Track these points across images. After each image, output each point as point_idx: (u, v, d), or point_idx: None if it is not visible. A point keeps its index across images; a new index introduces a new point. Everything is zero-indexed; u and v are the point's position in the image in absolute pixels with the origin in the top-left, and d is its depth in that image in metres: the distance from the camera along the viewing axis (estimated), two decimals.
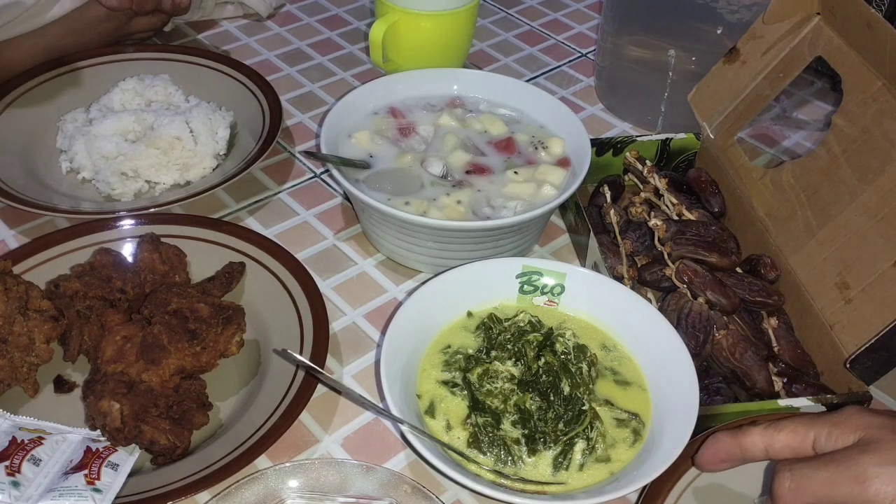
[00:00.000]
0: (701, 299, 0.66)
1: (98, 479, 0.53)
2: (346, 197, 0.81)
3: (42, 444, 0.56)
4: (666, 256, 0.70)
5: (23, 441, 0.55)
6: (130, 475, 0.54)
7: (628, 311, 0.64)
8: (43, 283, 0.65)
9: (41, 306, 0.62)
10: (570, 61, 1.05)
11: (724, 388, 0.63)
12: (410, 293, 0.63)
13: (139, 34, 0.96)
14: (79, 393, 0.62)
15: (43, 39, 0.87)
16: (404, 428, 0.54)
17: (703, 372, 0.63)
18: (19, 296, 0.61)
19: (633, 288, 0.67)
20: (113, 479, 0.54)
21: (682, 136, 0.83)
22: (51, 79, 0.87)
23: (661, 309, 0.65)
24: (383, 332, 0.61)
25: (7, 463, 0.53)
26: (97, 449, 0.56)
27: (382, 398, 0.56)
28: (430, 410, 0.58)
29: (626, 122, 0.94)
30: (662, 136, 0.83)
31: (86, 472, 0.54)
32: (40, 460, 0.54)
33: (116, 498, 0.52)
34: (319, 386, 0.60)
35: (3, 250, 0.71)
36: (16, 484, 0.52)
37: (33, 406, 0.60)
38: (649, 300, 0.67)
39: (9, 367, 0.60)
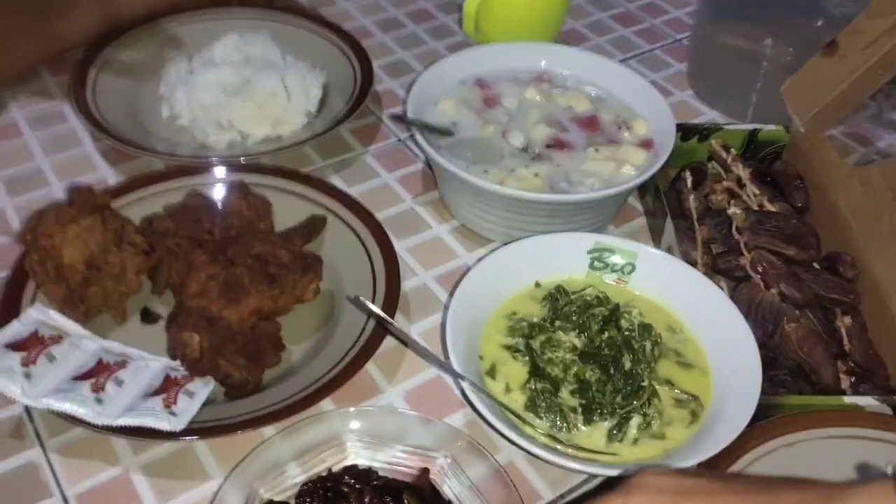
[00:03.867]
0: (774, 291, 0.65)
1: (175, 403, 0.57)
2: (427, 162, 0.82)
3: (125, 367, 0.59)
4: (742, 246, 0.70)
5: (108, 363, 0.59)
6: (204, 404, 0.58)
7: (698, 296, 0.64)
8: (138, 219, 0.69)
9: (135, 240, 0.66)
10: (663, 45, 1.04)
11: (789, 381, 0.62)
12: (481, 259, 0.65)
13: None
14: (163, 324, 0.65)
15: None
16: (465, 384, 0.56)
17: (769, 363, 0.62)
18: (115, 229, 0.65)
19: (705, 275, 0.66)
20: (188, 406, 0.57)
21: (771, 127, 0.81)
22: (159, 30, 0.91)
23: (732, 298, 0.65)
24: (451, 295, 0.62)
25: (93, 381, 0.57)
26: (175, 377, 0.59)
27: (446, 356, 0.58)
28: (491, 372, 0.60)
29: (716, 109, 0.93)
30: (751, 126, 0.81)
31: (164, 396, 0.57)
32: (123, 381, 0.58)
33: (190, 423, 0.56)
34: (386, 340, 0.62)
35: (104, 186, 0.75)
36: (99, 401, 0.56)
37: (120, 333, 0.64)
38: (721, 287, 0.67)
39: (101, 295, 0.64)
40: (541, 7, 0.92)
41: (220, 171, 0.74)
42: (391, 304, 0.63)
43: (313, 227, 0.70)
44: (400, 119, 0.85)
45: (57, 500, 0.55)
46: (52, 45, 0.88)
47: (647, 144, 0.77)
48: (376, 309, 0.59)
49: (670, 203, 0.75)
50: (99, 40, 0.88)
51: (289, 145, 0.79)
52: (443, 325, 0.64)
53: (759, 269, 0.67)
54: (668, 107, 0.77)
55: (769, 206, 0.73)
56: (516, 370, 0.60)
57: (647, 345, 0.60)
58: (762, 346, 0.60)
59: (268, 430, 0.58)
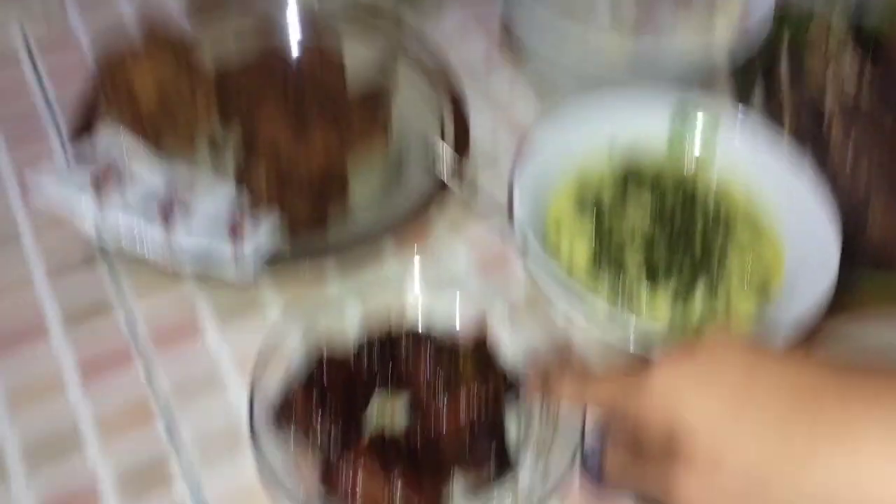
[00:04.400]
0: (865, 162, 0.61)
1: (241, 231, 0.57)
2: (509, 21, 0.78)
3: (192, 192, 0.60)
4: (835, 137, 0.65)
5: (180, 199, 0.60)
6: (269, 238, 0.58)
7: (781, 167, 0.60)
8: (214, 68, 0.67)
9: (210, 86, 0.64)
10: None
11: (868, 268, 0.59)
12: (555, 113, 0.62)
13: None
14: (230, 157, 0.64)
15: None
16: (528, 239, 0.55)
17: (849, 245, 0.59)
18: (193, 72, 0.64)
19: (791, 147, 0.63)
20: (253, 236, 0.57)
21: (876, 19, 0.74)
22: None
23: (817, 174, 0.61)
24: (521, 150, 0.60)
25: (161, 205, 0.58)
26: (241, 207, 0.60)
27: (511, 211, 0.57)
28: (557, 229, 0.59)
29: None
30: (858, 14, 0.74)
31: (229, 225, 0.57)
32: (190, 208, 0.58)
33: (256, 262, 0.56)
34: (452, 194, 0.61)
35: (178, 26, 0.74)
36: (166, 224, 0.57)
37: (188, 159, 0.64)
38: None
39: (171, 124, 0.64)
40: None
41: (296, 27, 0.71)
42: (460, 150, 0.61)
43: (386, 88, 0.68)
44: None
45: (122, 322, 0.56)
46: None
47: (742, 24, 0.71)
48: (445, 151, 0.57)
49: (762, 88, 0.70)
50: None
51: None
52: (510, 180, 0.62)
53: (851, 164, 0.62)
54: None
55: (868, 100, 0.68)
56: (581, 228, 0.58)
57: (722, 214, 0.58)
58: (845, 222, 0.57)
59: (332, 281, 0.58)
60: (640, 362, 0.39)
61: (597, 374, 0.42)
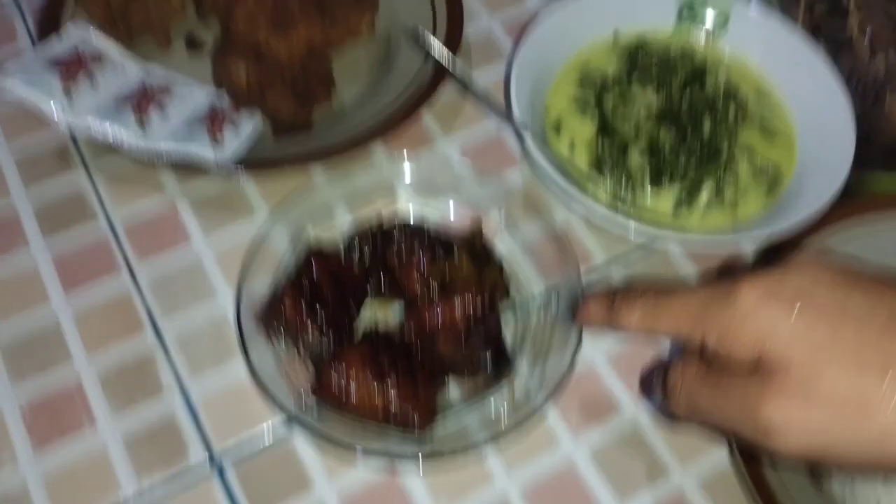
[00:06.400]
0: (881, 57, 0.58)
1: (220, 132, 0.54)
2: None
3: (169, 93, 0.56)
4: (852, 4, 0.61)
5: (151, 87, 0.56)
6: (251, 142, 0.55)
7: (793, 58, 0.57)
8: None
9: None
10: None
11: (882, 162, 0.57)
12: (554, 4, 0.58)
13: None
14: (208, 52, 0.61)
15: None
16: (526, 136, 0.52)
17: (862, 141, 0.57)
18: None
19: (804, 36, 0.59)
20: (234, 137, 0.54)
21: None
22: None
23: (831, 63, 0.58)
24: (519, 41, 0.56)
25: (135, 104, 0.55)
26: (221, 108, 0.56)
27: (508, 106, 0.53)
28: (556, 126, 0.56)
29: None
30: None
31: (209, 125, 0.54)
32: (166, 107, 0.55)
33: (236, 157, 0.53)
34: (444, 88, 0.57)
35: None
36: (141, 124, 0.54)
37: (163, 59, 0.60)
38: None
39: (143, 15, 0.60)
40: None
41: None
42: (452, 44, 0.57)
43: None
44: None
45: (102, 222, 0.54)
46: None
47: None
48: (436, 43, 0.53)
49: None
50: None
51: None
52: (507, 73, 0.58)
53: (868, 33, 0.59)
54: None
55: None
56: (584, 126, 0.55)
57: (732, 107, 0.55)
58: (859, 117, 0.54)
59: (318, 176, 0.55)
60: (721, 281, 0.37)
61: (669, 297, 0.39)
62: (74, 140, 0.57)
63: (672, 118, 0.54)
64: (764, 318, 0.34)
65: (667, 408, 0.39)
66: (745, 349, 0.34)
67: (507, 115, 0.54)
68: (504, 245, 0.52)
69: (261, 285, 0.48)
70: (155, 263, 0.53)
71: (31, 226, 0.54)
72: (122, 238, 0.54)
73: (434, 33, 0.59)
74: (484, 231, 0.50)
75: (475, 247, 0.49)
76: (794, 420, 0.33)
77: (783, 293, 0.34)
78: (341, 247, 0.50)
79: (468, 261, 0.48)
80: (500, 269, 0.49)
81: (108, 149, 0.54)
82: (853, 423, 0.32)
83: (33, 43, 0.62)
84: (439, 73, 0.57)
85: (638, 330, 0.40)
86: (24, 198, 0.55)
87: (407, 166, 0.52)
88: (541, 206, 0.52)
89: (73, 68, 0.55)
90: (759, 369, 0.34)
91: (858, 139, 0.53)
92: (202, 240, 0.54)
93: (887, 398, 0.32)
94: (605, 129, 0.54)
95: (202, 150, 0.53)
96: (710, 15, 0.59)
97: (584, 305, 0.43)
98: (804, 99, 0.56)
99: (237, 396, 0.48)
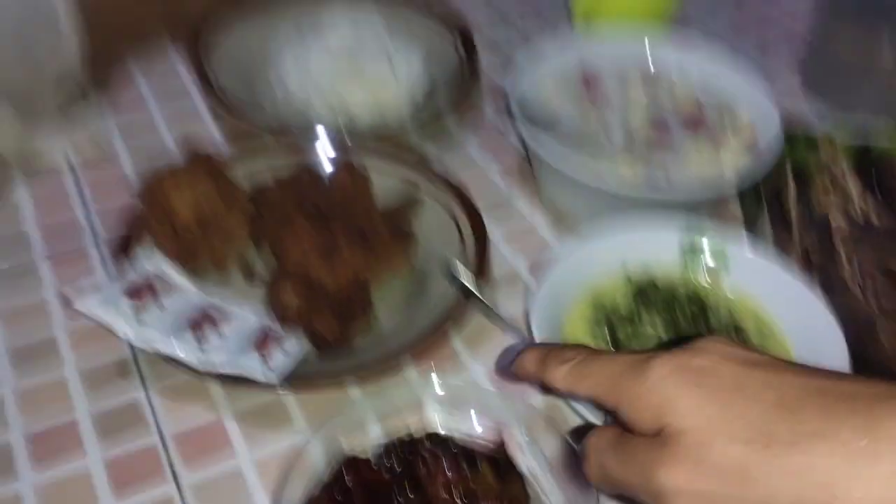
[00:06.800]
0: (874, 303, 0.63)
1: (270, 357, 0.60)
2: (526, 152, 0.83)
3: (227, 321, 0.63)
4: (843, 257, 0.68)
5: (212, 315, 0.63)
6: (297, 362, 0.60)
7: (789, 293, 0.63)
8: (248, 187, 0.73)
9: (244, 204, 0.69)
10: (776, 39, 1.02)
11: None
12: (570, 243, 0.65)
13: None
14: (263, 284, 0.68)
15: None
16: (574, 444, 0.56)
17: (856, 371, 0.61)
18: (227, 193, 0.69)
19: (801, 279, 0.65)
20: (282, 361, 0.60)
21: (886, 143, 0.79)
22: (278, 10, 0.95)
23: (827, 306, 0.63)
24: (538, 278, 0.63)
25: (197, 330, 0.61)
26: (272, 334, 0.62)
27: (530, 336, 0.59)
28: None
29: (827, 105, 0.91)
30: (865, 137, 0.79)
31: (261, 350, 0.60)
32: (224, 333, 0.61)
33: (282, 377, 0.58)
34: (473, 316, 0.63)
35: (219, 156, 0.79)
36: (202, 348, 0.60)
37: (223, 289, 0.68)
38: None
39: (209, 252, 0.68)
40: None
41: (327, 149, 0.77)
42: (480, 276, 0.64)
43: (410, 205, 0.72)
44: (502, 108, 0.87)
45: (154, 437, 0.58)
46: (177, 16, 0.94)
47: (751, 146, 0.76)
48: (465, 273, 0.60)
49: (770, 207, 0.74)
50: (221, 14, 0.92)
51: (393, 128, 0.82)
52: (528, 304, 0.65)
53: (860, 282, 0.65)
54: (776, 111, 0.76)
55: (875, 220, 0.71)
56: (597, 347, 0.60)
57: (733, 330, 0.59)
58: (855, 356, 0.59)
59: (354, 391, 0.60)
60: (639, 354, 0.41)
61: (593, 361, 0.43)
62: (135, 354, 0.63)
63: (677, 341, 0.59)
64: (666, 392, 0.38)
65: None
66: (648, 418, 0.38)
67: (529, 338, 0.60)
68: (526, 464, 0.55)
69: (296, 494, 0.51)
70: (198, 469, 0.56)
71: (87, 430, 0.58)
72: (169, 445, 0.58)
73: (462, 259, 0.66)
74: (507, 445, 0.54)
75: (498, 460, 0.52)
76: (684, 486, 0.36)
77: (688, 370, 0.38)
78: (372, 456, 0.53)
79: (491, 473, 0.51)
80: (522, 482, 0.52)
81: (165, 364, 0.59)
82: (736, 492, 0.35)
83: (107, 268, 0.70)
84: (467, 301, 0.63)
85: (562, 388, 0.44)
86: (84, 404, 0.60)
87: (436, 384, 0.57)
88: (561, 424, 0.55)
89: (142, 292, 0.62)
90: (659, 439, 0.37)
91: (853, 368, 0.57)
92: (244, 448, 0.58)
93: (766, 469, 0.35)
94: (616, 347, 0.59)
95: (251, 367, 0.58)
96: (711, 256, 0.66)
97: (519, 356, 0.47)
98: (801, 331, 0.61)
99: None
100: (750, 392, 0.37)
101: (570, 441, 0.52)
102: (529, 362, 0.47)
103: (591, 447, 0.42)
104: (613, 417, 0.42)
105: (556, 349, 0.46)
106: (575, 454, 0.50)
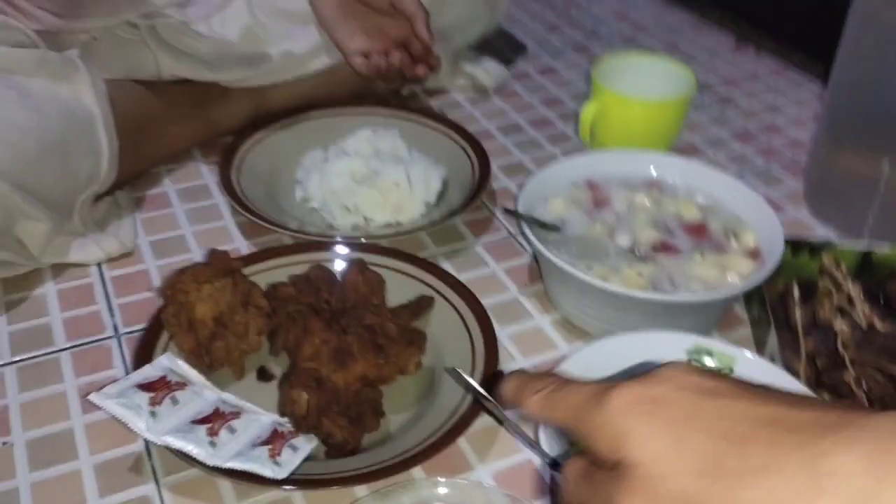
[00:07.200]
0: (878, 408, 0.64)
1: (279, 454, 0.61)
2: (534, 256, 0.86)
3: (239, 417, 0.64)
4: (847, 362, 0.69)
5: (224, 412, 0.64)
6: (305, 460, 0.61)
7: None
8: (264, 285, 0.75)
9: (260, 303, 0.72)
10: (780, 164, 1.05)
11: None
12: (579, 350, 0.67)
13: (379, 92, 1.09)
14: (275, 383, 0.70)
15: (301, 87, 1.01)
16: (554, 475, 0.57)
17: None
18: (244, 291, 0.71)
19: (807, 387, 0.66)
20: (291, 458, 0.61)
21: (886, 249, 0.81)
22: (301, 121, 1.00)
23: None
24: None
25: (209, 426, 0.62)
26: (282, 431, 0.64)
27: (538, 439, 0.60)
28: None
29: (830, 228, 0.93)
30: (865, 246, 0.81)
31: (270, 447, 0.61)
32: (235, 430, 0.63)
33: (291, 475, 0.59)
34: (481, 419, 0.64)
35: (237, 255, 0.82)
36: (213, 444, 0.61)
37: (237, 387, 0.70)
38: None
39: (224, 350, 0.70)
40: (656, 119, 0.96)
41: (341, 249, 0.80)
42: (489, 382, 0.66)
43: (421, 305, 0.74)
44: (511, 213, 0.89)
45: None
46: (206, 130, 0.99)
47: (754, 254, 0.78)
48: (473, 382, 0.61)
49: (776, 314, 0.75)
50: (248, 127, 0.98)
51: (406, 231, 0.85)
52: None
53: (864, 387, 0.66)
54: (777, 220, 0.79)
55: (879, 325, 0.72)
56: None
57: None
58: None
59: (360, 490, 0.61)
60: (604, 383, 0.42)
61: (561, 390, 0.44)
62: (148, 448, 0.64)
63: None
64: (623, 423, 0.38)
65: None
66: (606, 449, 0.39)
67: (536, 443, 0.60)
68: None
69: None
70: None
71: None
72: None
73: (473, 370, 0.68)
74: None
75: None
76: None
77: (644, 400, 0.39)
78: None
79: None
80: None
81: (177, 458, 0.60)
82: None
83: (125, 361, 0.72)
84: (476, 407, 0.64)
85: (537, 414, 0.45)
86: (95, 498, 0.61)
87: (443, 488, 0.57)
88: None
89: (159, 392, 0.64)
90: (616, 470, 0.38)
91: None
92: None
93: (717, 496, 0.35)
94: None
95: (262, 468, 0.59)
96: (717, 365, 0.67)
97: (501, 384, 0.48)
98: None
99: None
100: (703, 423, 0.37)
101: (551, 470, 0.52)
102: (509, 390, 0.48)
103: (564, 478, 0.43)
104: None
105: (532, 378, 0.47)
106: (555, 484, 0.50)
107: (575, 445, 0.61)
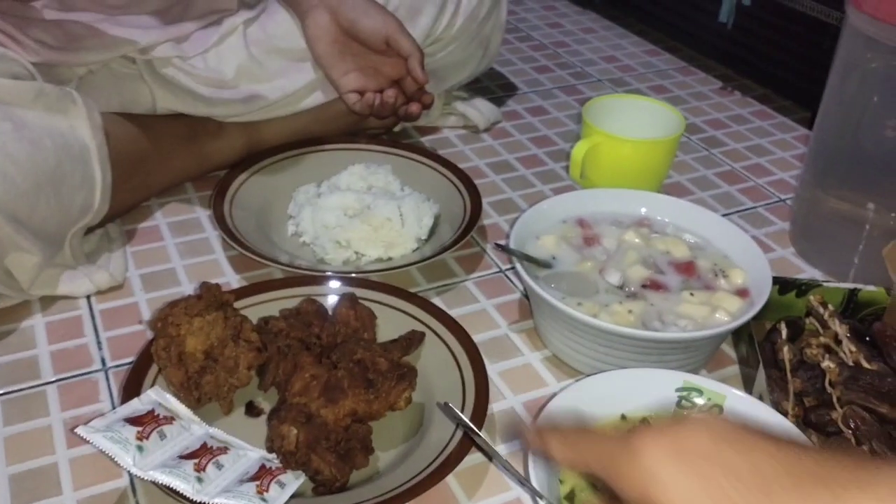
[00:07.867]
0: (866, 448, 0.64)
1: (266, 491, 0.60)
2: (525, 293, 0.86)
3: (226, 453, 0.64)
4: (835, 400, 0.69)
5: (211, 447, 0.64)
6: (292, 496, 0.61)
7: None
8: (255, 319, 0.75)
9: (250, 337, 0.71)
10: (766, 204, 1.06)
11: None
12: (568, 386, 0.67)
13: (373, 129, 1.10)
14: (264, 419, 0.70)
15: (294, 123, 1.02)
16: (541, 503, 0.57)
17: None
18: (235, 325, 0.71)
19: (795, 426, 0.66)
20: (278, 495, 0.60)
21: (871, 288, 0.82)
22: (294, 156, 1.01)
23: None
24: (536, 418, 0.64)
25: (196, 461, 0.62)
26: (270, 467, 0.63)
27: (527, 476, 0.60)
28: (570, 498, 0.61)
29: (817, 269, 0.94)
30: (851, 286, 0.82)
31: (257, 483, 0.61)
32: (223, 466, 0.62)
33: None
34: (470, 457, 0.64)
35: (229, 289, 0.82)
36: (199, 479, 0.60)
37: (225, 422, 0.69)
38: (812, 442, 0.67)
39: (214, 384, 0.69)
40: (645, 158, 0.97)
41: (333, 284, 0.80)
42: (479, 418, 0.65)
43: (412, 341, 0.74)
44: (502, 249, 0.90)
45: None
46: (200, 164, 1.00)
47: (742, 293, 0.78)
48: (464, 417, 0.61)
49: (764, 353, 0.75)
50: (241, 163, 0.98)
51: (397, 266, 0.85)
52: (525, 446, 0.65)
53: (852, 425, 0.66)
54: (765, 259, 0.79)
55: (865, 364, 0.73)
56: (595, 499, 0.61)
57: None
58: None
59: None
60: (627, 433, 0.44)
61: (586, 437, 0.48)
62: (133, 483, 0.64)
63: None
64: (653, 469, 0.41)
65: None
66: (636, 492, 0.41)
67: (526, 480, 0.60)
68: None
69: None
70: None
71: None
72: None
73: (463, 406, 0.68)
74: None
75: None
76: None
77: (673, 448, 0.41)
78: None
79: None
80: None
81: (164, 497, 0.59)
82: None
83: (114, 402, 0.71)
84: (466, 444, 0.64)
85: (561, 457, 0.48)
86: None
87: None
88: None
89: (147, 426, 0.63)
90: None
91: None
92: None
93: None
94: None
95: (247, 500, 0.58)
96: (706, 403, 0.67)
97: (526, 432, 0.53)
98: None
99: None
100: (733, 473, 0.39)
101: None
102: (532, 433, 0.52)
103: None
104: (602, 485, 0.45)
105: (557, 429, 0.50)
106: None
107: (564, 483, 0.61)
